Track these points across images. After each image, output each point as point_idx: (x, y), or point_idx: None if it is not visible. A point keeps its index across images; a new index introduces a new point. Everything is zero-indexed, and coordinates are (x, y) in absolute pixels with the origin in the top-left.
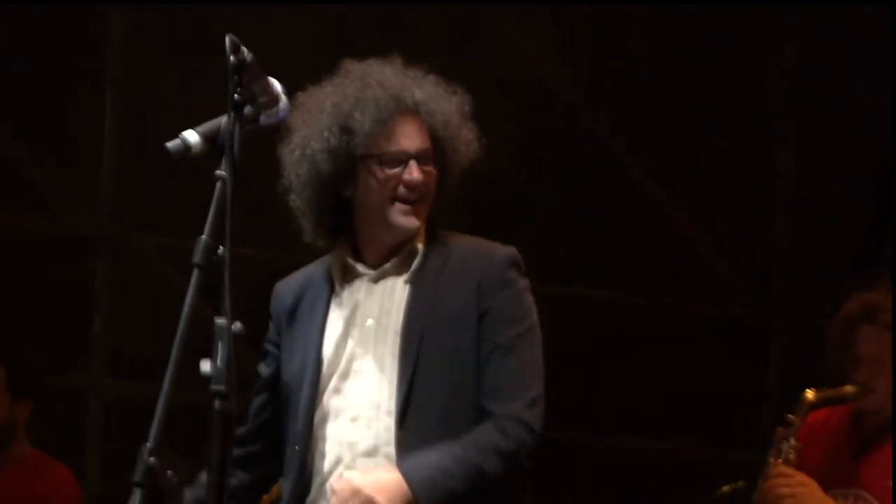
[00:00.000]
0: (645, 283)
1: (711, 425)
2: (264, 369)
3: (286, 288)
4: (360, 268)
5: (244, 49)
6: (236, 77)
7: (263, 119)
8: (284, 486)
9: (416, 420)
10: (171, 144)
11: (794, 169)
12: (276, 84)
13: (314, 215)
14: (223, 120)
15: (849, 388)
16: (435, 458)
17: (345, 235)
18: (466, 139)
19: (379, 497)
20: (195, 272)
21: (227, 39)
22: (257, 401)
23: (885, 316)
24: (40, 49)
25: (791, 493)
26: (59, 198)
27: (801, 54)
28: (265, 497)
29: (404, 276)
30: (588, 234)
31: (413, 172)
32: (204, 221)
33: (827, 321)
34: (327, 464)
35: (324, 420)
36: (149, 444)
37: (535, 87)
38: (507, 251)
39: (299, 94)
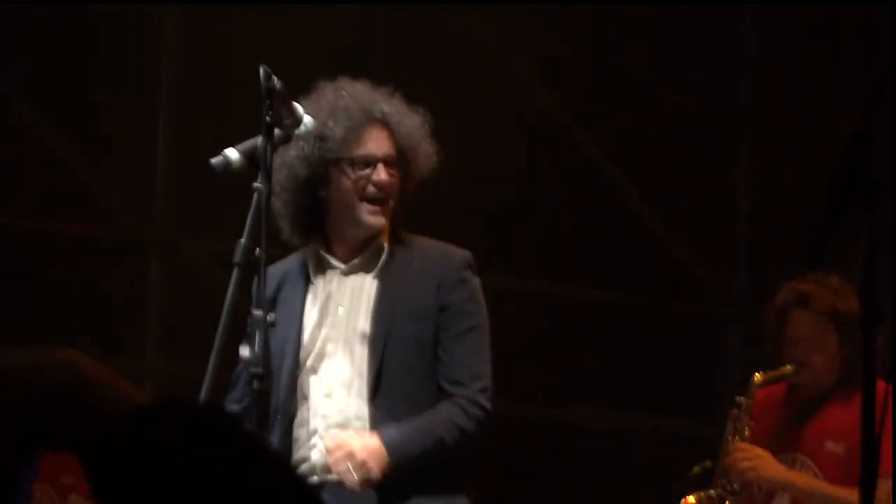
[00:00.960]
0: (616, 279)
1: (676, 405)
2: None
3: (266, 278)
4: (333, 261)
5: (274, 77)
6: (268, 102)
7: (294, 139)
8: (284, 442)
9: (384, 399)
10: (214, 161)
11: (756, 172)
12: (300, 107)
13: (291, 215)
14: (259, 139)
15: (788, 368)
16: (407, 429)
17: (318, 234)
18: (427, 152)
19: (370, 461)
20: (235, 270)
21: (261, 69)
22: (244, 377)
23: (816, 303)
24: (95, 57)
25: (751, 465)
26: (118, 206)
27: (761, 53)
28: None
29: (373, 272)
30: (567, 234)
31: (381, 174)
32: (243, 227)
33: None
34: (304, 433)
35: (303, 395)
36: None
37: (512, 92)
38: (463, 254)
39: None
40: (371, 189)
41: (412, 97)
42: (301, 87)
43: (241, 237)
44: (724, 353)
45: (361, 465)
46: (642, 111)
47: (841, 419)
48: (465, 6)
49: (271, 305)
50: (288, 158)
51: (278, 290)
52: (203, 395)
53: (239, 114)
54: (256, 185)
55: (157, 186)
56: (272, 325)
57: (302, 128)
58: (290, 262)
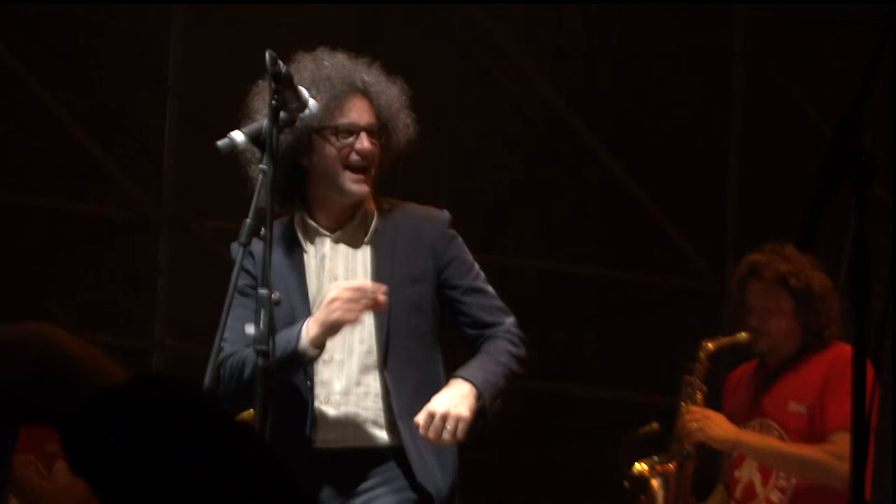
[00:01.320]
0: (614, 256)
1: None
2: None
3: (252, 247)
4: (320, 229)
5: (280, 62)
6: (273, 86)
7: (298, 122)
8: (283, 410)
9: (394, 362)
10: (220, 143)
11: (745, 153)
12: (305, 91)
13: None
14: (264, 122)
15: (742, 335)
16: (481, 366)
17: (297, 201)
18: (405, 122)
19: (461, 410)
20: (241, 250)
21: (267, 54)
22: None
23: (767, 271)
24: (107, 41)
25: (699, 426)
26: (128, 187)
27: (750, 39)
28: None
29: (363, 240)
30: (567, 213)
31: (364, 142)
32: (248, 207)
33: None
34: (311, 398)
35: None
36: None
37: (513, 83)
38: (444, 215)
39: (259, 81)
40: (354, 157)
41: (418, 88)
42: None
43: (246, 217)
44: (717, 327)
45: (447, 418)
46: (637, 99)
47: (803, 380)
48: (471, 5)
49: (264, 271)
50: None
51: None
52: (209, 368)
53: (245, 96)
54: (262, 166)
55: (166, 168)
56: (277, 303)
57: (307, 111)
58: (276, 228)
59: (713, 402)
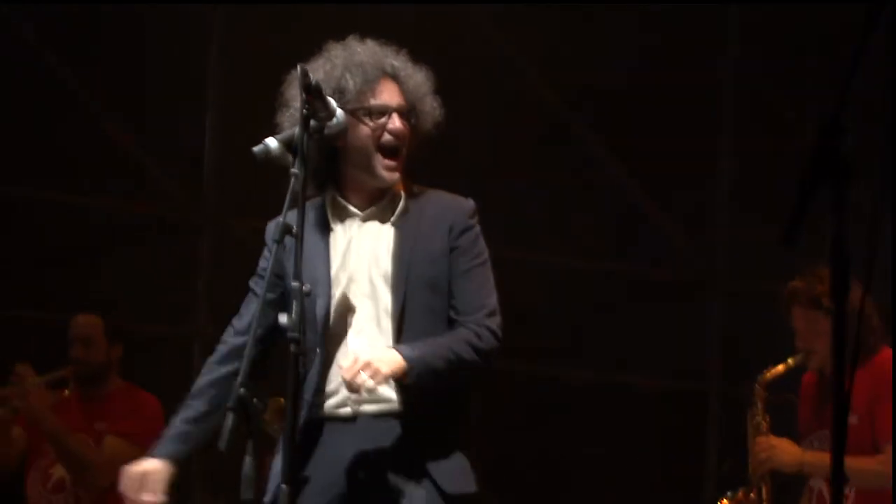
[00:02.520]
0: (606, 249)
1: (663, 364)
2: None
3: (303, 226)
4: (351, 208)
5: (311, 74)
6: (304, 96)
7: (327, 130)
8: (308, 379)
9: (407, 335)
10: (256, 149)
11: (735, 149)
12: (333, 102)
13: (310, 166)
14: (296, 129)
15: (791, 360)
16: (423, 344)
17: (331, 183)
18: (432, 105)
19: (381, 365)
20: (276, 247)
21: (298, 67)
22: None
23: (804, 296)
24: (149, 49)
25: (767, 456)
26: (172, 188)
27: (742, 41)
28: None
29: (390, 220)
30: (557, 208)
31: (396, 122)
32: (282, 206)
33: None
34: (337, 368)
35: (336, 331)
36: (240, 379)
37: (505, 77)
38: (469, 203)
39: (291, 70)
40: (387, 137)
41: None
42: None
43: (280, 216)
44: (704, 318)
45: (368, 366)
46: (630, 94)
47: (856, 393)
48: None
49: (294, 249)
50: (337, 72)
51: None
52: (245, 359)
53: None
54: (294, 171)
55: (207, 170)
56: (308, 294)
57: (334, 120)
58: (307, 210)
59: (783, 423)
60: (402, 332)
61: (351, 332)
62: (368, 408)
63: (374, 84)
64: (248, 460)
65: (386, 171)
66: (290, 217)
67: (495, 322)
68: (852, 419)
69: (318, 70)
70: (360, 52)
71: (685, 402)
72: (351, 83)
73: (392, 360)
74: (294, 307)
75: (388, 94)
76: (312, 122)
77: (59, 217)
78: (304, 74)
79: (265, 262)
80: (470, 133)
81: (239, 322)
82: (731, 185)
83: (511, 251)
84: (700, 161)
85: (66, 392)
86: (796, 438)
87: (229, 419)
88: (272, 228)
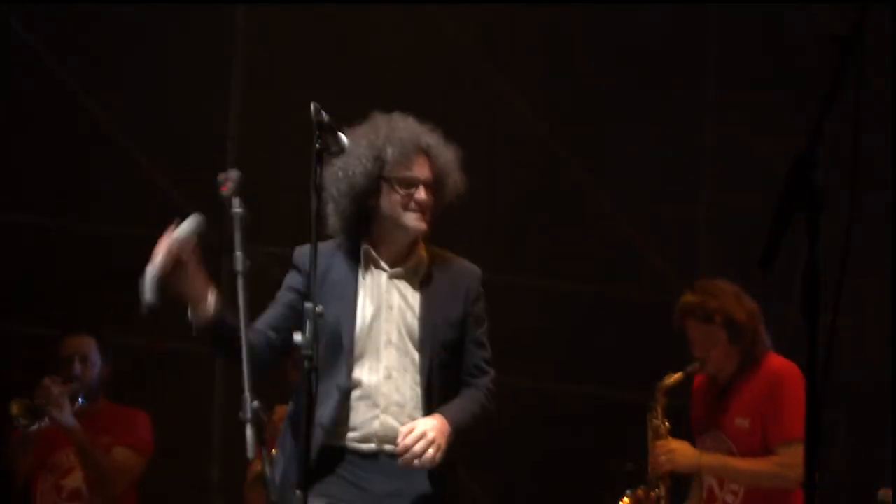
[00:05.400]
0: (590, 273)
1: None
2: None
3: (321, 252)
4: (382, 262)
5: (323, 112)
6: (317, 132)
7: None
8: (324, 408)
9: (430, 389)
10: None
11: (716, 175)
12: (343, 136)
13: (345, 219)
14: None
15: (690, 368)
16: (458, 409)
17: (366, 237)
18: (456, 180)
19: (440, 438)
20: (291, 270)
21: (312, 105)
22: (283, 311)
23: (699, 311)
24: (174, 85)
25: (667, 458)
26: (193, 211)
27: (721, 57)
28: (275, 418)
29: (416, 280)
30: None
31: (422, 193)
32: (296, 234)
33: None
34: (364, 405)
35: (362, 370)
36: (248, 392)
37: (495, 105)
38: (478, 270)
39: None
40: (413, 205)
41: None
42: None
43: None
44: (684, 338)
45: (432, 442)
46: (612, 119)
47: (745, 397)
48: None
49: (323, 279)
50: (350, 172)
51: (328, 269)
52: (246, 375)
53: (294, 140)
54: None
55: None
56: (320, 315)
57: (344, 154)
58: (331, 249)
59: (681, 427)
60: (430, 388)
61: (380, 376)
62: (389, 447)
63: (409, 157)
64: (267, 467)
65: (414, 220)
66: (324, 249)
67: (495, 386)
68: (744, 423)
69: (363, 137)
70: (401, 127)
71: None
72: (390, 154)
73: (443, 430)
74: (308, 326)
75: (419, 169)
76: (326, 154)
77: (88, 244)
78: (317, 111)
79: (292, 280)
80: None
81: (261, 321)
82: (709, 211)
83: (513, 276)
84: (683, 192)
85: (75, 406)
86: (691, 438)
87: (250, 431)
88: (303, 253)
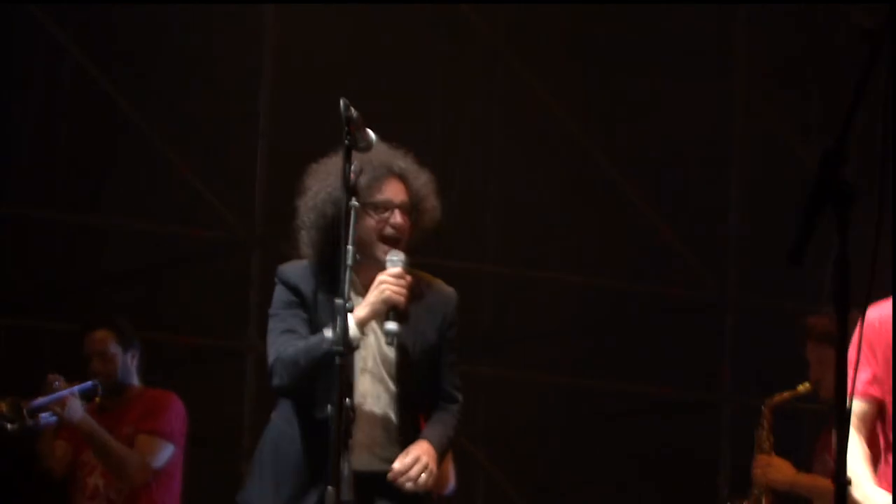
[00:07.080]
0: (622, 269)
1: (679, 378)
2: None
3: (303, 273)
4: (360, 288)
5: (352, 108)
6: (346, 128)
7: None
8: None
9: (405, 414)
10: None
11: (749, 174)
12: (371, 133)
13: (317, 250)
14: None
15: (801, 388)
16: (437, 434)
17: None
18: (432, 205)
19: (432, 463)
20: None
21: (341, 101)
22: (302, 323)
23: (814, 331)
24: (205, 86)
25: (762, 472)
26: (224, 212)
27: (751, 51)
28: None
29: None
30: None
31: (397, 217)
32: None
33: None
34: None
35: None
36: (339, 391)
37: (528, 104)
38: (455, 295)
39: (312, 164)
40: (388, 230)
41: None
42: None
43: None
44: (717, 336)
45: (426, 467)
46: (642, 119)
47: None
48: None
49: (314, 299)
50: (318, 202)
51: (316, 290)
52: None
53: (325, 132)
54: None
55: (257, 195)
56: (350, 311)
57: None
58: (312, 269)
59: (786, 445)
60: (404, 412)
61: (361, 397)
62: (377, 467)
63: (382, 182)
64: (345, 464)
65: (385, 255)
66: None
67: (461, 413)
68: None
69: (334, 165)
70: (373, 153)
71: (699, 412)
72: (362, 180)
73: (434, 456)
74: (338, 322)
75: (392, 192)
76: (354, 151)
77: (124, 241)
78: (346, 107)
79: (283, 296)
80: (499, 161)
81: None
82: (740, 206)
83: (541, 272)
84: (713, 188)
85: (97, 400)
86: (802, 458)
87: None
88: (288, 269)
